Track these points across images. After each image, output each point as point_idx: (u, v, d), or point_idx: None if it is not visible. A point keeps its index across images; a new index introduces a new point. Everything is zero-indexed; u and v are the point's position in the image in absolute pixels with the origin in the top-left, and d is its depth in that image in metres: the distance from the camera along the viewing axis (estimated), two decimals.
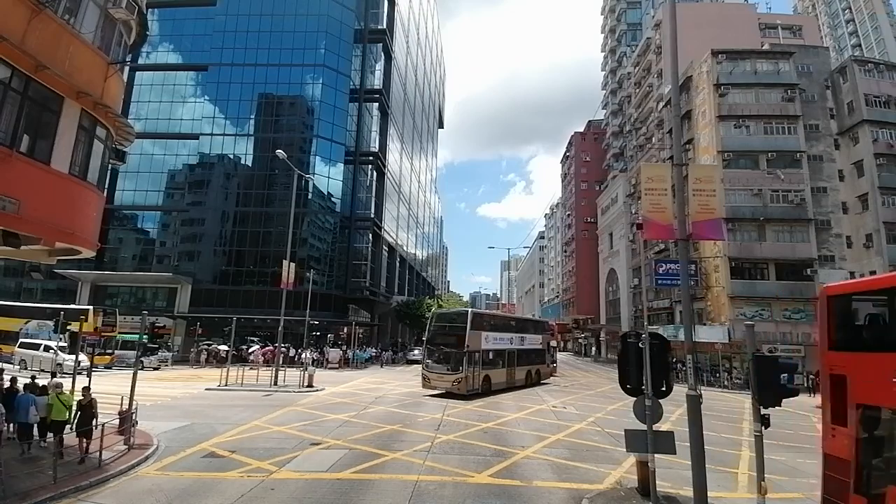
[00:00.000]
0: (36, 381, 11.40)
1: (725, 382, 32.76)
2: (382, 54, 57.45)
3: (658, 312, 43.58)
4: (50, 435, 10.21)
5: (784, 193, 35.31)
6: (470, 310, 22.60)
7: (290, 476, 9.67)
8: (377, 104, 54.96)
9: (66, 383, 11.35)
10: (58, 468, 8.65)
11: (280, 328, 25.28)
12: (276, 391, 21.84)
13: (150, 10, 37.72)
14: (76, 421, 10.03)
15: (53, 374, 13.93)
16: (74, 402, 10.32)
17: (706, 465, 7.58)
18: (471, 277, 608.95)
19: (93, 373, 15.08)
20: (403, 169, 66.26)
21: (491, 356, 23.32)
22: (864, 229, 35.55)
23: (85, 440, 9.89)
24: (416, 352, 47.56)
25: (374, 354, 43.28)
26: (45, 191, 9.40)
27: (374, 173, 53.82)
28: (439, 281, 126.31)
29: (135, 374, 12.87)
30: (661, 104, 46.63)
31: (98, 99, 10.35)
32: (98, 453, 9.67)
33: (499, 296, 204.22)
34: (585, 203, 71.18)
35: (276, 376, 23.41)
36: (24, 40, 8.29)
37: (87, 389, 10.24)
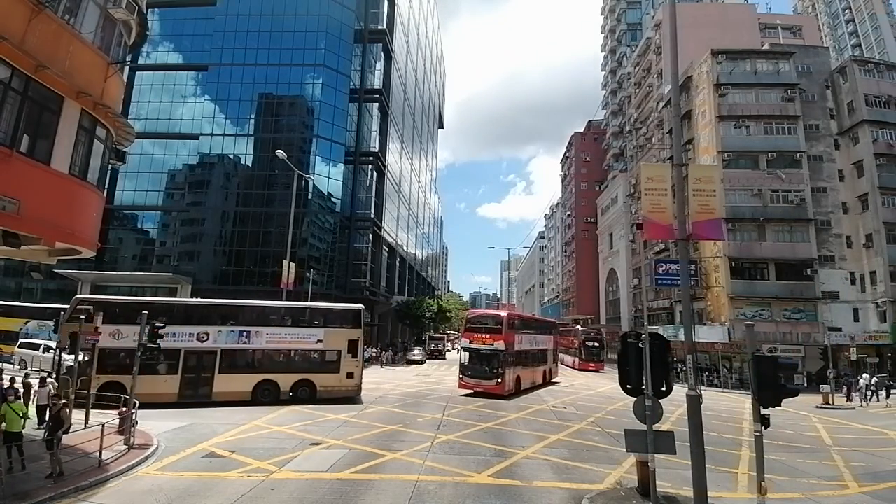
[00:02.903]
0: None
1: (724, 381, 32.80)
2: (382, 54, 57.41)
3: (658, 312, 43.55)
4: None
5: (784, 193, 35.30)
6: (77, 297, 15.79)
7: (290, 476, 9.68)
8: (377, 104, 54.92)
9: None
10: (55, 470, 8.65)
11: None
12: None
13: (150, 10, 37.74)
14: (45, 431, 9.39)
15: (48, 373, 13.87)
16: (27, 410, 10.01)
17: (706, 465, 7.59)
18: (471, 277, 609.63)
19: None
20: (403, 169, 66.21)
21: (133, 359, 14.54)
22: (864, 229, 35.52)
23: (56, 452, 8.93)
24: (416, 352, 47.84)
25: (374, 354, 43.26)
26: (45, 191, 9.39)
27: (374, 173, 53.79)
28: (439, 281, 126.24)
29: (135, 375, 12.88)
30: (662, 104, 46.58)
31: (98, 99, 10.34)
32: (98, 453, 9.66)
33: (499, 296, 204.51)
34: (585, 203, 71.11)
35: None
36: (24, 40, 8.29)
37: (57, 397, 9.78)
